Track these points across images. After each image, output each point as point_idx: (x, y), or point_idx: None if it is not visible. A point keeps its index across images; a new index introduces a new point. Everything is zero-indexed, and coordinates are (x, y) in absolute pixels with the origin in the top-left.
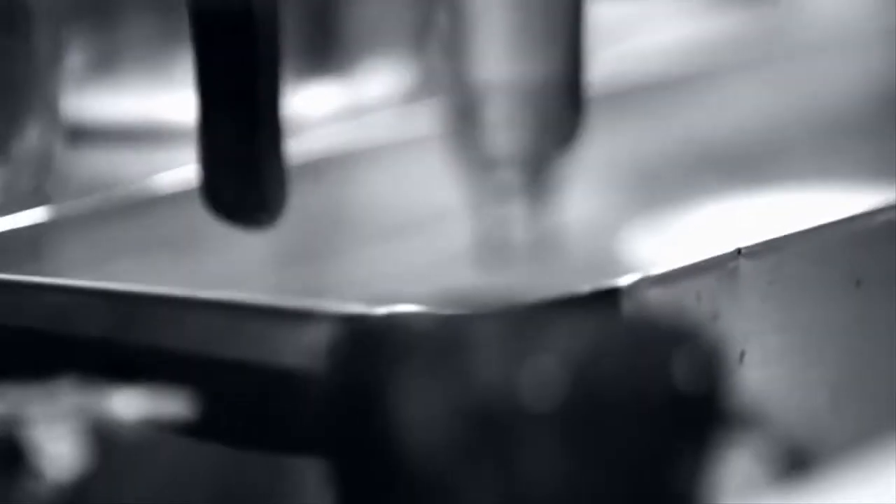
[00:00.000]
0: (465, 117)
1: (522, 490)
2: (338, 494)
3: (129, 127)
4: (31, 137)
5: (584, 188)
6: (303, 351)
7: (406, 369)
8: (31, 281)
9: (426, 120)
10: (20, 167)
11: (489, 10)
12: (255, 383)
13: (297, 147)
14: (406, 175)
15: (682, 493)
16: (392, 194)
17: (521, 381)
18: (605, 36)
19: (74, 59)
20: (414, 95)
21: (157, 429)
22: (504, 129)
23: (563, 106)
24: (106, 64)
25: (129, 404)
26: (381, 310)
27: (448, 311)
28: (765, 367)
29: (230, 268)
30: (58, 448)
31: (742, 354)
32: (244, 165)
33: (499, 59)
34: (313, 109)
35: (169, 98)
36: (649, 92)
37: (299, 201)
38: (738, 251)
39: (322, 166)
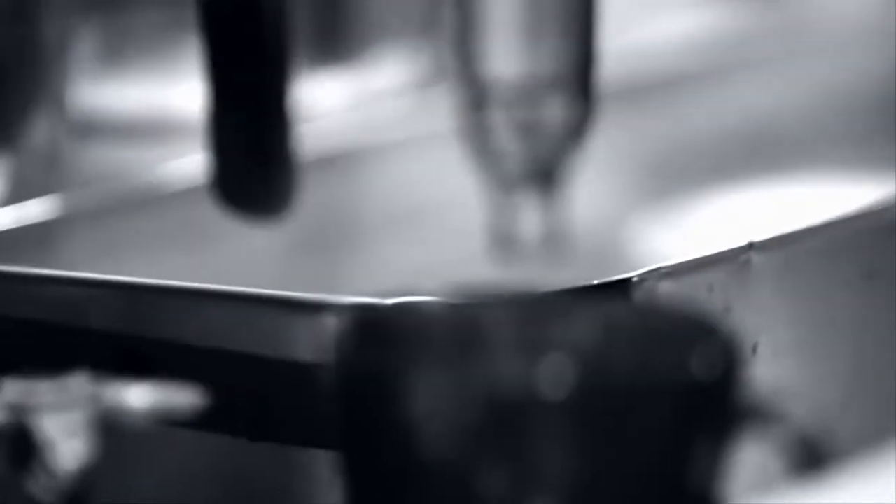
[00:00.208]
0: (475, 111)
1: (534, 479)
2: (349, 486)
3: (137, 119)
4: (39, 129)
5: (596, 182)
6: (313, 343)
7: (417, 359)
8: (42, 273)
9: (436, 112)
10: (28, 159)
11: (499, 3)
12: (265, 375)
13: (306, 139)
14: (416, 168)
15: (696, 485)
16: (402, 187)
17: (531, 372)
18: (617, 30)
19: (82, 50)
20: (423, 86)
21: (167, 421)
22: (514, 123)
23: (574, 100)
24: (114, 56)
25: (139, 396)
26: (392, 301)
27: (459, 302)
28: (776, 360)
29: (240, 260)
30: (68, 439)
31: (755, 347)
32: (254, 156)
33: (509, 52)
34: (322, 100)
35: (177, 89)
36: (661, 86)
37: (309, 194)
38: (750, 245)
39: (331, 159)
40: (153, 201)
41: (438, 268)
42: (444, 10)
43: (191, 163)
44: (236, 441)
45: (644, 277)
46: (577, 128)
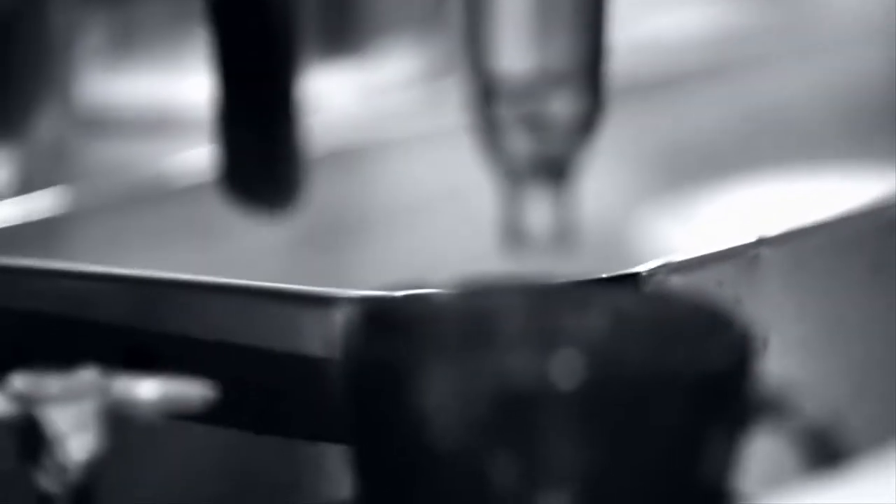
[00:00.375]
0: (484, 106)
1: (544, 472)
2: (359, 479)
3: (144, 112)
4: (46, 123)
5: (605, 177)
6: (322, 336)
7: (426, 352)
8: (50, 267)
9: (445, 106)
10: (35, 153)
11: None
12: (274, 369)
13: (314, 133)
14: (425, 162)
15: (708, 478)
16: (410, 181)
17: (542, 364)
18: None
19: (89, 44)
20: (432, 79)
21: (175, 414)
22: (524, 118)
23: (583, 94)
24: (121, 49)
25: (147, 389)
26: (401, 293)
27: (469, 295)
28: (786, 355)
29: (248, 254)
30: (77, 432)
31: (764, 343)
32: (262, 150)
33: (519, 47)
34: (330, 93)
35: (184, 83)
36: (669, 82)
37: (317, 187)
38: (760, 240)
39: (340, 152)
40: (161, 195)
41: (447, 261)
42: (452, 4)
43: (198, 156)
44: (244, 435)
45: (653, 272)
46: (587, 122)
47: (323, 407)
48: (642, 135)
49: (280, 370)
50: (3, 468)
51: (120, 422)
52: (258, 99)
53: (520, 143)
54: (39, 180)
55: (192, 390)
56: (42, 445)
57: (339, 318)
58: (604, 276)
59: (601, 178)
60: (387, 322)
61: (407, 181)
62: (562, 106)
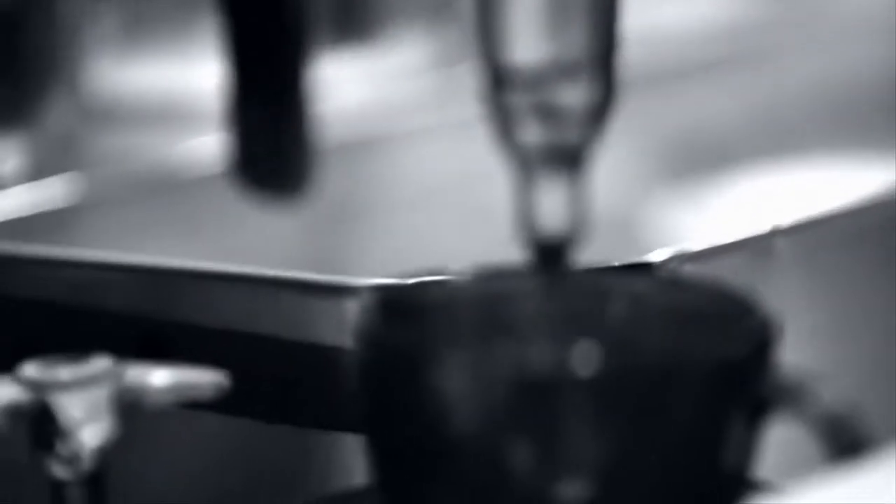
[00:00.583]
0: (496, 95)
1: (562, 459)
2: (374, 467)
3: (155, 100)
4: (56, 112)
5: (618, 167)
6: (335, 325)
7: (442, 339)
8: (62, 256)
9: (457, 94)
10: (46, 142)
11: None
12: (286, 358)
13: (326, 120)
14: (437, 150)
15: (727, 466)
16: (423, 169)
17: (559, 351)
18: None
19: (99, 32)
20: (443, 67)
21: (188, 403)
22: (536, 108)
23: (596, 84)
24: (131, 38)
25: (160, 378)
26: (415, 280)
27: (483, 282)
28: (801, 344)
29: (259, 243)
30: (90, 420)
31: (780, 331)
32: (273, 138)
33: (531, 36)
34: (342, 81)
35: (195, 71)
36: (682, 72)
37: (328, 176)
38: (775, 229)
39: (351, 141)
40: (171, 184)
41: (459, 249)
42: None
43: (209, 145)
44: (256, 424)
45: (667, 261)
46: (599, 112)
47: (335, 396)
48: (655, 125)
49: (292, 359)
50: (16, 456)
51: (132, 410)
52: (269, 87)
53: (532, 133)
54: (49, 169)
55: (204, 379)
56: (55, 433)
57: (351, 307)
58: (619, 265)
59: (614, 168)
60: (403, 309)
61: (419, 169)
62: (574, 96)
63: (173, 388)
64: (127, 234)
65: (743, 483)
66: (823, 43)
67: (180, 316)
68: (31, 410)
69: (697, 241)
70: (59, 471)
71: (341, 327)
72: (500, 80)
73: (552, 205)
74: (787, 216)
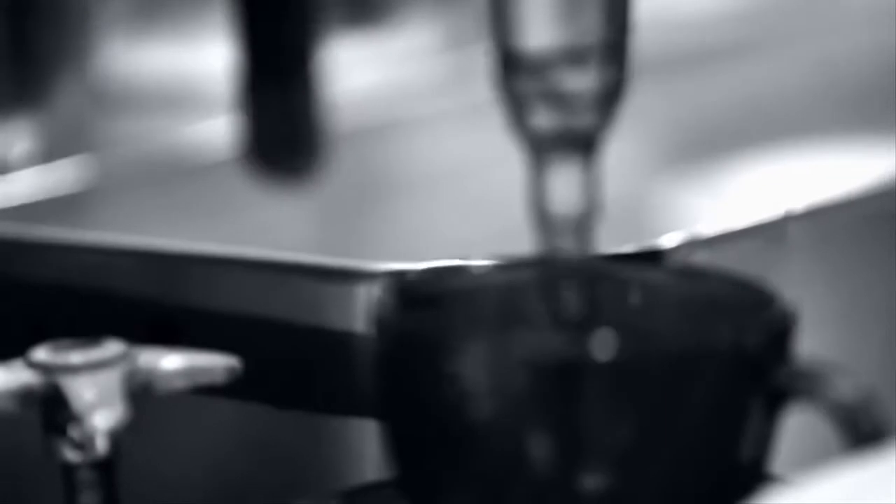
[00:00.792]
0: (508, 80)
1: (579, 447)
2: (392, 454)
3: (165, 84)
4: (65, 94)
5: (630, 152)
6: (348, 310)
7: (457, 325)
8: (73, 241)
9: (468, 76)
10: (56, 125)
11: None
12: (299, 343)
13: (337, 105)
14: (449, 134)
15: (744, 455)
16: (435, 153)
17: (576, 338)
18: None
19: (109, 15)
20: (455, 49)
21: (200, 388)
22: (548, 93)
23: (608, 70)
24: (141, 20)
25: (172, 362)
26: (430, 266)
27: (498, 268)
28: (814, 331)
29: (271, 226)
30: (101, 404)
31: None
32: (284, 121)
33: (544, 21)
34: (352, 62)
35: (205, 54)
36: (695, 57)
37: (340, 160)
38: (788, 214)
39: (363, 125)
40: (184, 168)
41: (473, 233)
42: None
43: (220, 128)
44: (268, 409)
45: (680, 246)
46: (611, 98)
47: (347, 381)
48: (666, 110)
49: (304, 344)
50: (28, 440)
51: (144, 394)
52: (280, 71)
53: (544, 119)
54: (59, 153)
55: (216, 363)
56: (66, 417)
57: (363, 292)
58: (631, 250)
59: (626, 152)
60: (421, 297)
61: (431, 154)
62: (586, 81)
63: (185, 373)
64: (138, 218)
65: (760, 473)
66: (834, 27)
67: (192, 300)
68: (43, 394)
69: (710, 226)
70: (71, 454)
71: (353, 312)
72: (512, 66)
73: (565, 190)
74: (800, 201)
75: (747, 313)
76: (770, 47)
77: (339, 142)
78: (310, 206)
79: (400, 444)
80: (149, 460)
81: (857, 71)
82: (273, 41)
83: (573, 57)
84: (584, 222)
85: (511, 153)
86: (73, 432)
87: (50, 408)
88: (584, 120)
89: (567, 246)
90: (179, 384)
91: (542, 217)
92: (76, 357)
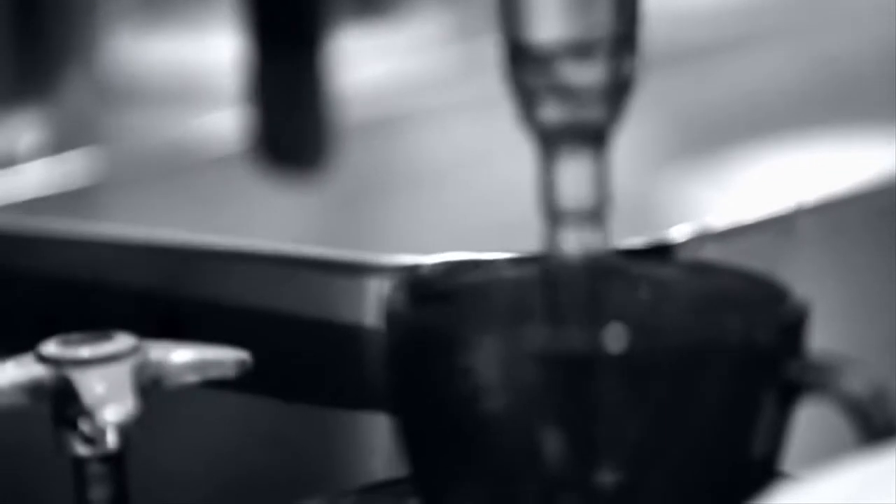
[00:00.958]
0: (518, 74)
1: (592, 441)
2: (404, 447)
3: (173, 76)
4: (72, 87)
5: (641, 145)
6: (357, 304)
7: (468, 319)
8: (81, 234)
9: (478, 68)
10: (63, 118)
11: None
12: (308, 337)
13: (345, 96)
14: (458, 126)
15: (756, 450)
16: (444, 145)
17: (589, 333)
18: None
19: (116, 7)
20: (464, 40)
21: (209, 382)
22: (557, 87)
23: (618, 64)
24: (148, 13)
25: (181, 356)
26: (440, 260)
27: (509, 261)
28: (824, 325)
29: (280, 221)
30: (111, 397)
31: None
32: (292, 111)
33: (554, 14)
34: (361, 53)
35: (213, 47)
36: (704, 50)
37: (349, 151)
38: (797, 207)
39: (371, 116)
40: (192, 161)
41: (482, 226)
42: None
43: (229, 121)
44: (277, 403)
45: (691, 239)
46: (621, 91)
47: (356, 374)
48: (676, 102)
49: (312, 337)
50: (38, 434)
51: (154, 388)
52: (288, 62)
53: (553, 112)
54: (66, 145)
55: (226, 357)
56: (77, 411)
57: (372, 285)
58: (640, 244)
59: (635, 145)
60: (434, 291)
61: (440, 146)
62: (595, 74)
63: (195, 367)
64: (148, 211)
65: (772, 467)
66: (845, 19)
67: (202, 294)
68: (53, 388)
69: (719, 219)
70: (81, 448)
71: (363, 305)
72: (521, 59)
73: (574, 183)
74: (811, 194)
75: (759, 307)
76: (780, 40)
77: (348, 134)
78: (319, 198)
79: (411, 439)
80: (159, 454)
81: (868, 63)
82: (281, 33)
83: (582, 50)
84: (594, 216)
85: (520, 145)
86: (84, 426)
87: (60, 402)
88: (593, 113)
89: (577, 239)
90: (190, 378)
91: (552, 210)
92: (86, 351)
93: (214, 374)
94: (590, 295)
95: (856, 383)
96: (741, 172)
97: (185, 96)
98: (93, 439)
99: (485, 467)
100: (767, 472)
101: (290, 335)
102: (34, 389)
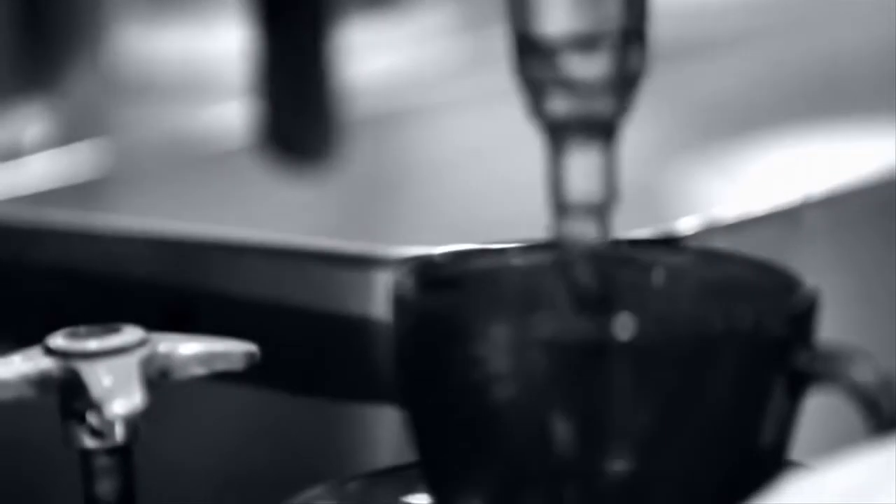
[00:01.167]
0: (526, 67)
1: (601, 430)
2: (413, 438)
3: (180, 68)
4: (80, 80)
5: (649, 137)
6: (366, 296)
7: (480, 308)
8: (90, 227)
9: (486, 59)
10: (69, 110)
11: None
12: (316, 329)
13: (353, 87)
14: (466, 118)
15: (766, 439)
16: (452, 137)
17: (599, 322)
18: None
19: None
20: (472, 31)
21: (217, 374)
22: (565, 80)
23: (626, 57)
24: (156, 5)
25: (189, 349)
26: (449, 251)
27: (522, 252)
28: (831, 316)
29: (288, 214)
30: (119, 390)
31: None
32: (300, 104)
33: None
34: (369, 46)
35: (220, 39)
36: (711, 43)
37: (357, 144)
38: (805, 199)
39: (379, 108)
40: (200, 154)
41: (491, 218)
42: None
43: (236, 114)
44: (284, 395)
45: (697, 231)
46: (629, 83)
47: (364, 367)
48: (684, 94)
49: (320, 330)
50: (45, 426)
51: (161, 380)
52: (296, 54)
53: (562, 104)
54: (73, 138)
55: (233, 350)
56: (84, 404)
57: (380, 278)
58: (648, 235)
59: (643, 137)
60: (442, 278)
61: (448, 138)
62: (604, 67)
63: (203, 359)
64: (155, 204)
65: (781, 456)
66: (853, 11)
67: (209, 286)
68: (61, 381)
69: (727, 211)
70: (89, 441)
71: (371, 298)
72: (529, 51)
73: (582, 175)
74: (818, 186)
75: (769, 296)
76: (787, 33)
77: (356, 126)
78: (326, 190)
79: (420, 426)
80: (166, 446)
81: (876, 55)
82: (289, 25)
83: (590, 43)
84: (602, 207)
85: (529, 137)
86: (91, 418)
87: (68, 394)
88: (601, 106)
89: (585, 231)
90: (197, 370)
91: (560, 203)
92: (94, 343)
93: (222, 366)
94: (600, 283)
95: (865, 373)
96: (748, 165)
97: (192, 89)
98: (100, 432)
99: (494, 455)
100: (776, 461)
101: (299, 328)
102: (42, 382)
